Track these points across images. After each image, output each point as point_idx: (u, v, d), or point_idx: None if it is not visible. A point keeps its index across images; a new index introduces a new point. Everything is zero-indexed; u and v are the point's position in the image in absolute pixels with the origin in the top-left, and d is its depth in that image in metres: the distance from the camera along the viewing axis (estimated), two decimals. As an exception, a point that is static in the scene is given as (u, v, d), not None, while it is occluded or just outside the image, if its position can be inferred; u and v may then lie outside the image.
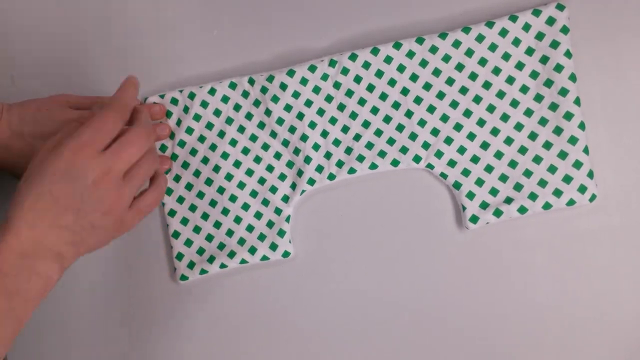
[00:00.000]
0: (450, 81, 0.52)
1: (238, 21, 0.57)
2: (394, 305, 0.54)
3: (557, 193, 0.51)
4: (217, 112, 0.55)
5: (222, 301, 0.56)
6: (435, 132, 0.52)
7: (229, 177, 0.55)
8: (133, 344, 0.57)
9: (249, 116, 0.55)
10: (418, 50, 0.53)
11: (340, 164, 0.54)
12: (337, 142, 0.54)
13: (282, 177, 0.55)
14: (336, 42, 0.55)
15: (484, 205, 0.52)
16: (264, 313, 0.55)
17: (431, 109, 0.53)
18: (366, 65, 0.53)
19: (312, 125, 0.54)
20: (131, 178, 0.46)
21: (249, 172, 0.55)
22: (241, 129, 0.55)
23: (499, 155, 0.52)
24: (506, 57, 0.52)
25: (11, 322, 0.41)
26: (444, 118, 0.52)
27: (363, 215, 0.54)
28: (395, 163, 0.53)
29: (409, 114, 0.53)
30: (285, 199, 0.54)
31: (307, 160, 0.54)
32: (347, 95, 0.54)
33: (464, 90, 0.52)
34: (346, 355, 0.54)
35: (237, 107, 0.55)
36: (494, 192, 0.52)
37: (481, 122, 0.52)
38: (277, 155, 0.55)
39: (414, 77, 0.53)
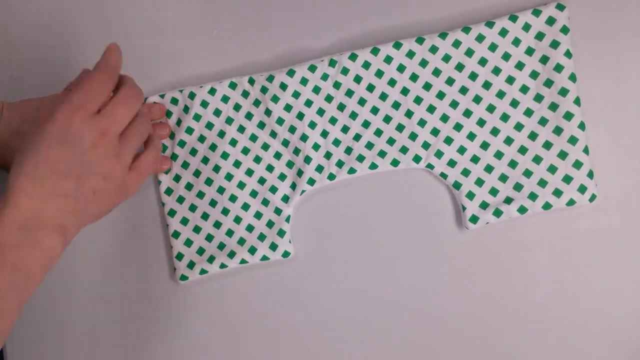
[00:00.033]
0: (450, 81, 0.52)
1: (238, 21, 0.57)
2: (394, 305, 0.54)
3: (557, 193, 0.51)
4: (217, 112, 0.55)
5: (222, 301, 0.56)
6: (435, 132, 0.52)
7: (229, 177, 0.55)
8: (133, 344, 0.57)
9: (249, 116, 0.55)
10: (418, 50, 0.53)
11: (340, 164, 0.54)
12: (337, 142, 0.54)
13: (282, 177, 0.55)
14: (336, 42, 0.55)
15: (484, 205, 0.52)
16: (264, 313, 0.55)
17: (431, 109, 0.53)
18: (366, 65, 0.53)
19: (312, 125, 0.54)
20: (127, 139, 0.45)
21: (249, 172, 0.55)
22: (241, 129, 0.55)
23: (499, 155, 0.52)
24: (506, 57, 0.52)
25: (15, 296, 0.40)
26: (444, 118, 0.52)
27: (363, 215, 0.54)
28: (395, 163, 0.53)
29: (409, 113, 0.53)
30: (285, 199, 0.54)
31: (307, 160, 0.54)
32: (347, 95, 0.54)
33: (464, 90, 0.52)
34: (346, 355, 0.54)
35: (237, 107, 0.55)
36: (494, 192, 0.52)
37: (481, 122, 0.52)
38: (277, 155, 0.55)
39: (414, 77, 0.53)
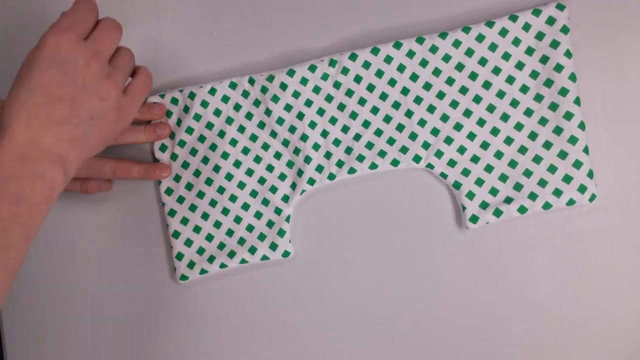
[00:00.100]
0: (450, 81, 0.52)
1: (238, 21, 0.57)
2: (394, 305, 0.54)
3: (557, 193, 0.51)
4: (217, 112, 0.55)
5: (222, 301, 0.56)
6: (435, 131, 0.52)
7: (229, 176, 0.55)
8: (133, 343, 0.57)
9: (249, 116, 0.55)
10: (418, 50, 0.53)
11: (340, 163, 0.54)
12: (337, 142, 0.54)
13: (282, 176, 0.55)
14: (336, 42, 0.55)
15: (484, 205, 0.52)
16: (264, 313, 0.55)
17: (431, 109, 0.53)
18: (366, 65, 0.53)
19: (312, 125, 0.54)
20: (116, 64, 0.45)
21: (249, 172, 0.55)
22: (241, 129, 0.55)
23: (499, 155, 0.52)
24: (506, 56, 0.52)
25: (20, 228, 0.39)
26: (444, 118, 0.52)
27: (363, 215, 0.54)
28: (395, 163, 0.53)
29: (409, 113, 0.53)
30: (285, 198, 0.54)
31: (307, 160, 0.54)
32: (347, 95, 0.54)
33: (464, 90, 0.52)
34: (346, 355, 0.54)
35: (237, 107, 0.55)
36: (494, 192, 0.52)
37: (481, 122, 0.52)
38: (277, 155, 0.55)
39: (414, 77, 0.53)
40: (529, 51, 0.51)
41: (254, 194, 0.55)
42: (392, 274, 0.54)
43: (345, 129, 0.54)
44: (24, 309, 0.58)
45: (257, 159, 0.55)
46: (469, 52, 0.52)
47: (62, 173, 0.41)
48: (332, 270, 0.55)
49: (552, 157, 0.51)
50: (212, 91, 0.55)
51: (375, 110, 0.53)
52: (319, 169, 0.54)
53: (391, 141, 0.53)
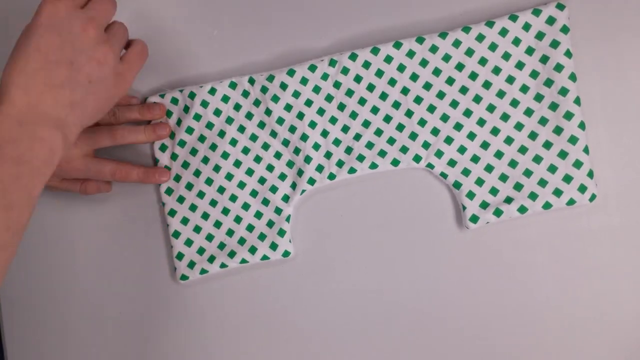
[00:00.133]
0: (450, 81, 0.52)
1: (238, 21, 0.57)
2: (394, 305, 0.54)
3: (557, 193, 0.51)
4: (218, 112, 0.55)
5: (222, 301, 0.56)
6: (435, 131, 0.52)
7: (229, 176, 0.55)
8: (133, 343, 0.57)
9: (249, 116, 0.55)
10: (418, 49, 0.53)
11: (340, 163, 0.54)
12: (337, 142, 0.54)
13: (283, 176, 0.55)
14: (336, 42, 0.55)
15: (484, 205, 0.52)
16: (264, 313, 0.55)
17: (431, 109, 0.53)
18: (366, 64, 0.53)
19: (312, 124, 0.54)
20: (112, 32, 0.46)
21: (249, 172, 0.55)
22: (241, 129, 0.55)
23: (499, 154, 0.52)
24: (506, 56, 0.52)
25: (22, 189, 0.39)
26: (444, 118, 0.52)
27: (363, 215, 0.54)
28: (395, 163, 0.53)
29: (409, 113, 0.53)
30: (286, 198, 0.54)
31: (307, 159, 0.54)
32: (347, 94, 0.54)
33: (464, 90, 0.52)
34: (346, 355, 0.54)
35: (237, 107, 0.55)
36: (494, 191, 0.52)
37: (481, 122, 0.52)
38: (278, 155, 0.55)
39: (414, 77, 0.53)
40: (529, 51, 0.51)
41: (254, 193, 0.55)
42: (392, 273, 0.54)
43: (345, 129, 0.54)
44: (24, 309, 0.58)
45: (258, 159, 0.55)
46: (469, 52, 0.52)
47: (62, 137, 0.41)
48: (332, 270, 0.55)
49: (553, 157, 0.51)
50: (212, 91, 0.55)
51: (375, 110, 0.53)
52: (319, 168, 0.54)
53: (391, 141, 0.53)
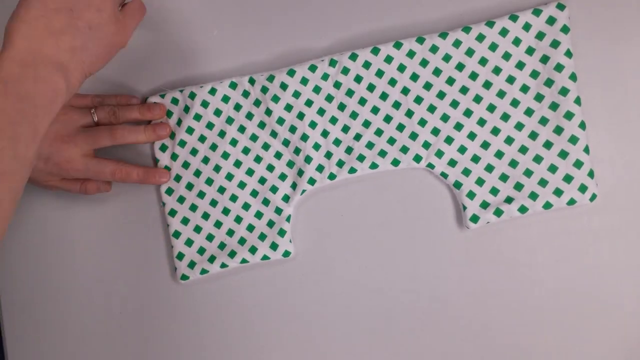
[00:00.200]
0: (450, 81, 0.52)
1: (238, 21, 0.57)
2: (394, 305, 0.54)
3: (558, 192, 0.51)
4: (218, 112, 0.55)
5: (222, 301, 0.56)
6: (435, 131, 0.52)
7: (229, 176, 0.55)
8: (133, 343, 0.57)
9: (249, 116, 0.55)
10: (418, 49, 0.53)
11: (340, 163, 0.54)
12: (337, 142, 0.54)
13: (283, 176, 0.55)
14: (336, 42, 0.55)
15: (485, 205, 0.52)
16: (264, 313, 0.55)
17: (431, 109, 0.53)
18: (366, 65, 0.53)
19: (313, 125, 0.54)
20: None
21: (250, 172, 0.55)
22: (242, 129, 0.55)
23: (499, 154, 0.52)
24: (506, 56, 0.52)
25: (27, 123, 0.40)
26: (445, 118, 0.52)
27: (363, 215, 0.54)
28: (395, 163, 0.53)
29: (409, 113, 0.53)
30: (286, 198, 0.54)
31: (308, 160, 0.54)
32: (347, 95, 0.54)
33: (464, 90, 0.52)
34: (347, 355, 0.54)
35: (237, 107, 0.55)
36: (494, 191, 0.52)
37: (481, 122, 0.52)
38: (278, 155, 0.55)
39: (414, 77, 0.53)
40: (529, 51, 0.51)
41: (254, 193, 0.55)
42: (393, 273, 0.54)
43: (345, 129, 0.54)
44: (24, 308, 0.58)
45: (258, 159, 0.55)
46: (470, 52, 0.52)
47: (64, 79, 0.42)
48: (332, 270, 0.55)
49: (553, 156, 0.51)
50: (213, 91, 0.55)
51: (375, 110, 0.53)
52: (320, 168, 0.54)
53: (392, 141, 0.53)
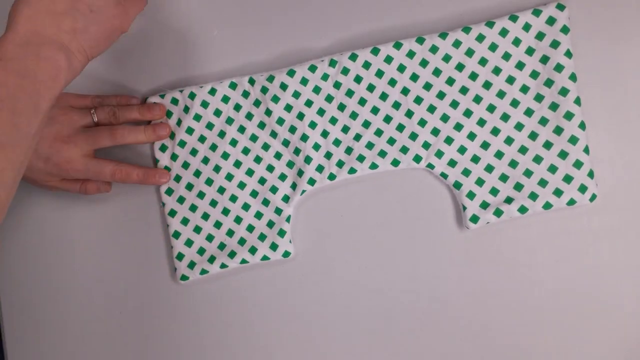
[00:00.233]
0: (450, 81, 0.52)
1: (238, 21, 0.57)
2: (394, 305, 0.54)
3: (558, 193, 0.51)
4: (218, 112, 0.55)
5: (222, 301, 0.56)
6: (435, 132, 0.52)
7: (229, 177, 0.55)
8: (133, 343, 0.57)
9: (249, 116, 0.55)
10: (418, 50, 0.53)
11: (340, 164, 0.54)
12: (337, 142, 0.54)
13: (283, 177, 0.55)
14: (336, 42, 0.55)
15: (485, 205, 0.52)
16: (264, 313, 0.55)
17: (431, 109, 0.53)
18: (366, 65, 0.53)
19: (313, 125, 0.54)
20: None
21: (250, 172, 0.55)
22: (241, 129, 0.55)
23: (499, 155, 0.52)
24: (506, 57, 0.52)
25: (28, 98, 0.41)
26: (444, 118, 0.52)
27: (363, 215, 0.54)
28: (395, 163, 0.53)
29: (409, 113, 0.53)
30: (286, 199, 0.54)
31: (308, 160, 0.54)
32: (347, 95, 0.54)
33: (464, 90, 0.52)
34: (347, 355, 0.54)
35: (237, 107, 0.55)
36: (494, 191, 0.52)
37: (481, 122, 0.52)
38: (278, 155, 0.55)
39: (414, 77, 0.53)
40: (529, 51, 0.51)
41: (254, 194, 0.55)
42: (393, 273, 0.54)
43: (345, 129, 0.54)
44: (24, 309, 0.58)
45: (258, 159, 0.55)
46: (469, 52, 0.52)
47: (65, 58, 0.43)
48: (332, 270, 0.55)
49: (553, 157, 0.51)
50: (212, 91, 0.55)
51: (375, 111, 0.53)
52: (320, 169, 0.54)
53: (391, 141, 0.53)
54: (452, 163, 0.52)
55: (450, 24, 0.54)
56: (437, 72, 0.53)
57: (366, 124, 0.53)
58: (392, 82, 0.53)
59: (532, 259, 0.52)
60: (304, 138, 0.54)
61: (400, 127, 0.53)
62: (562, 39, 0.51)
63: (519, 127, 0.51)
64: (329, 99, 0.54)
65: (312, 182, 0.54)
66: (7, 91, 0.40)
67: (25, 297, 0.58)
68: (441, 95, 0.52)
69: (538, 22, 0.51)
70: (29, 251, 0.58)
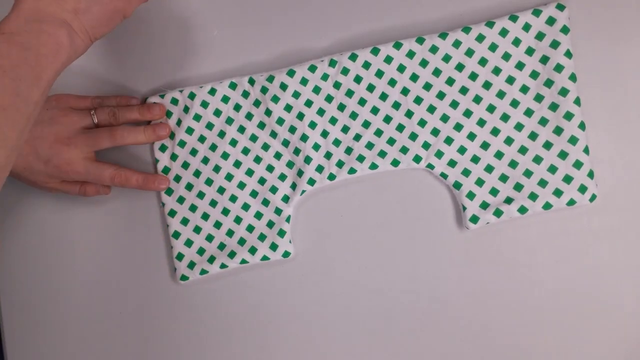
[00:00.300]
0: (450, 81, 0.52)
1: (238, 21, 0.57)
2: (394, 305, 0.54)
3: (558, 193, 0.51)
4: (218, 112, 0.55)
5: (222, 301, 0.56)
6: (435, 132, 0.52)
7: (229, 177, 0.55)
8: (133, 343, 0.57)
9: (249, 116, 0.55)
10: (418, 50, 0.53)
11: (340, 164, 0.54)
12: (337, 142, 0.54)
13: (282, 177, 0.55)
14: (336, 42, 0.55)
15: (484, 205, 0.52)
16: (264, 313, 0.55)
17: (431, 109, 0.53)
18: (366, 65, 0.53)
19: (312, 125, 0.54)
20: None
21: (249, 172, 0.55)
22: (241, 129, 0.55)
23: (499, 155, 0.52)
24: (506, 57, 0.52)
25: (30, 69, 0.41)
26: (444, 118, 0.52)
27: (363, 215, 0.54)
28: (395, 163, 0.53)
29: (409, 114, 0.53)
30: (286, 199, 0.54)
31: (307, 160, 0.54)
32: (347, 95, 0.53)
33: (464, 90, 0.52)
34: (347, 355, 0.54)
35: (237, 107, 0.55)
36: (494, 192, 0.52)
37: (481, 122, 0.52)
38: (277, 156, 0.55)
39: (414, 77, 0.53)
40: (529, 51, 0.51)
41: (254, 194, 0.55)
42: (392, 273, 0.54)
43: (345, 129, 0.54)
44: (24, 309, 0.58)
45: (257, 159, 0.55)
46: (469, 52, 0.52)
47: (67, 35, 0.44)
48: (332, 270, 0.55)
49: (553, 157, 0.51)
50: (212, 91, 0.55)
51: (375, 111, 0.53)
52: (319, 169, 0.54)
53: (391, 141, 0.53)
54: (452, 163, 0.52)
55: (450, 24, 0.54)
56: (437, 72, 0.52)
57: (366, 124, 0.53)
58: (392, 82, 0.53)
59: (532, 259, 0.52)
60: (304, 138, 0.54)
61: (400, 127, 0.53)
62: (562, 39, 0.51)
63: (519, 127, 0.51)
64: (329, 99, 0.54)
65: (312, 182, 0.54)
66: (9, 62, 0.40)
67: (25, 297, 0.58)
68: (441, 95, 0.52)
69: (538, 22, 0.51)
70: (29, 252, 0.58)
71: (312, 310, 0.55)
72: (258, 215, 0.55)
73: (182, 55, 0.57)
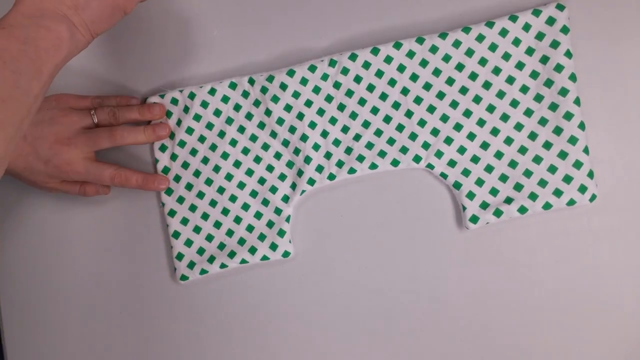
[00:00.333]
0: (450, 81, 0.52)
1: (238, 21, 0.57)
2: (394, 305, 0.54)
3: (557, 193, 0.51)
4: (217, 112, 0.55)
5: (222, 301, 0.56)
6: (435, 132, 0.52)
7: (229, 177, 0.55)
8: (133, 343, 0.57)
9: (249, 116, 0.55)
10: (418, 50, 0.53)
11: (340, 164, 0.54)
12: (337, 142, 0.54)
13: (282, 177, 0.55)
14: (336, 42, 0.55)
15: (484, 205, 0.52)
16: (264, 313, 0.55)
17: (431, 109, 0.53)
18: (366, 65, 0.53)
19: (312, 125, 0.54)
20: None
21: (249, 172, 0.55)
22: (241, 129, 0.55)
23: (499, 155, 0.52)
24: (506, 57, 0.52)
25: (30, 62, 0.42)
26: (444, 118, 0.52)
27: (363, 215, 0.54)
28: (395, 163, 0.53)
29: (409, 114, 0.53)
30: (285, 199, 0.54)
31: (307, 160, 0.54)
32: (347, 95, 0.54)
33: (464, 90, 0.52)
34: (347, 355, 0.54)
35: (237, 107, 0.55)
36: (494, 192, 0.52)
37: (481, 122, 0.52)
38: (277, 155, 0.55)
39: (414, 77, 0.53)
40: (529, 51, 0.51)
41: (254, 194, 0.55)
42: (392, 273, 0.54)
43: (345, 129, 0.54)
44: (24, 309, 0.58)
45: (257, 159, 0.55)
46: (469, 52, 0.52)
47: (67, 30, 0.44)
48: (332, 270, 0.55)
49: (552, 157, 0.51)
50: (212, 91, 0.55)
51: (375, 111, 0.53)
52: (319, 169, 0.54)
53: (391, 141, 0.53)
54: (452, 163, 0.52)
55: (450, 24, 0.54)
56: (437, 72, 0.52)
57: (366, 124, 0.53)
58: (392, 82, 0.53)
59: (532, 259, 0.52)
60: (304, 138, 0.54)
61: (400, 127, 0.53)
62: (562, 39, 0.51)
63: (519, 127, 0.51)
64: (329, 99, 0.54)
65: (311, 182, 0.54)
66: (10, 55, 0.41)
67: (25, 297, 0.58)
68: (441, 95, 0.52)
69: (538, 22, 0.51)
70: (29, 252, 0.58)
71: (312, 310, 0.55)
72: (258, 215, 0.55)
73: (182, 55, 0.57)
